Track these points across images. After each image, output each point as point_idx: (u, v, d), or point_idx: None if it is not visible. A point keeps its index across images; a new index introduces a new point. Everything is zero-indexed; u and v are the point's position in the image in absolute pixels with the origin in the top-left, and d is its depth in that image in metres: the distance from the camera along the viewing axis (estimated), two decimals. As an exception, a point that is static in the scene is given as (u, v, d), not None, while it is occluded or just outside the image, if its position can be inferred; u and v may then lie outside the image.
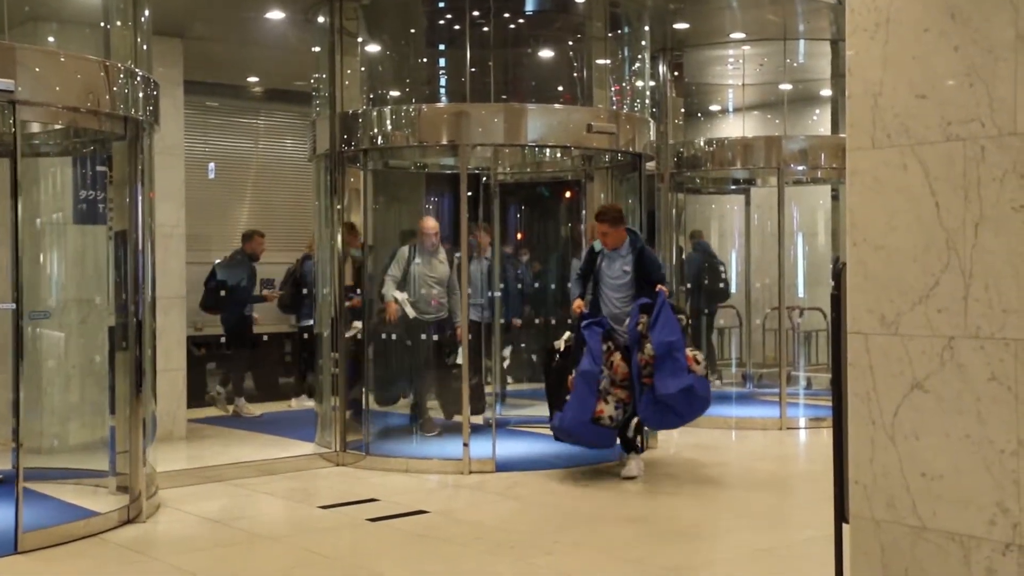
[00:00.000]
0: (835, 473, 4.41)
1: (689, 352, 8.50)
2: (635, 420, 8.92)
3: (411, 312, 10.30)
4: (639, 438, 9.22)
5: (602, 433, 8.57)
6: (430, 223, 10.64)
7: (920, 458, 4.00)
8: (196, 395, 11.82)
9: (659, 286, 8.64)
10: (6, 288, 8.81)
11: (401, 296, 10.25)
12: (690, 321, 12.86)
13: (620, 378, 8.56)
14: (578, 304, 8.87)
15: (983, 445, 3.84)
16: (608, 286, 8.87)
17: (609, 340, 8.65)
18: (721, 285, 13.84)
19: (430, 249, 10.45)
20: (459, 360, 9.81)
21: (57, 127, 8.24)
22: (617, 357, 8.59)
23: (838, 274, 4.33)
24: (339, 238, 9.77)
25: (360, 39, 10.20)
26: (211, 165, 13.34)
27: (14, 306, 6.98)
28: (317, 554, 6.53)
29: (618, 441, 8.89)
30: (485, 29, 10.12)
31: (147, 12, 7.85)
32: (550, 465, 9.23)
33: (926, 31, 4.00)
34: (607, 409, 8.49)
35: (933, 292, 3.96)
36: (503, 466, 9.06)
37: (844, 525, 4.35)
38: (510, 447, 9.75)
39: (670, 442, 10.38)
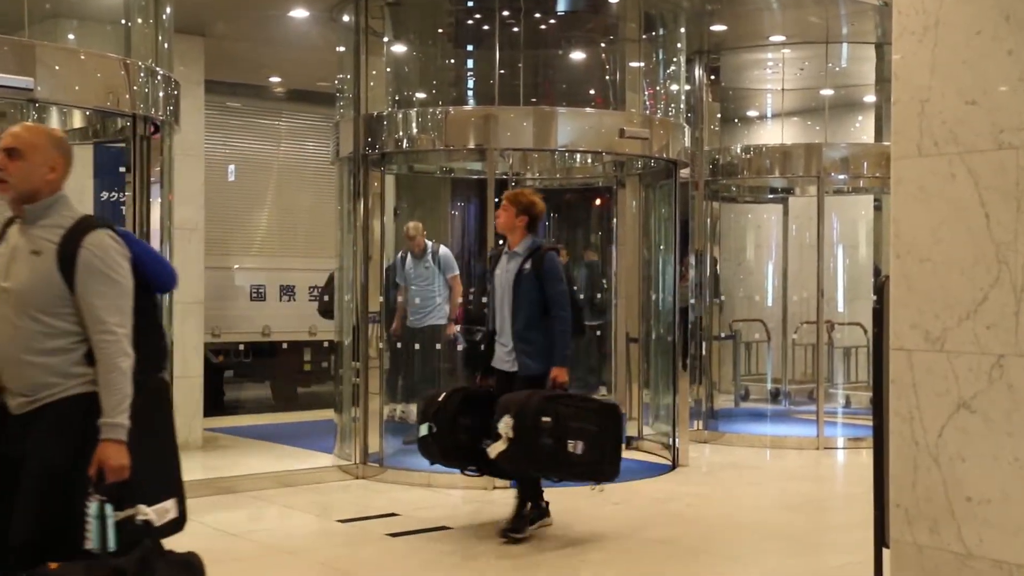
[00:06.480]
0: (875, 495, 4.35)
1: None
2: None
3: None
4: None
5: None
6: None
7: (966, 481, 3.92)
8: (213, 404, 11.66)
9: None
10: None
11: None
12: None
13: None
14: None
15: (1034, 470, 3.71)
16: None
17: None
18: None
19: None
20: None
21: (76, 127, 8.15)
22: None
23: (880, 287, 4.26)
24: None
25: (386, 39, 10.02)
26: (231, 167, 13.18)
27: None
28: (336, 569, 6.39)
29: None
30: (515, 30, 9.96)
31: (169, 10, 7.78)
32: (576, 483, 8.98)
33: (978, 34, 3.92)
34: None
35: (981, 307, 3.87)
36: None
37: (884, 550, 4.29)
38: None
39: (702, 460, 10.20)
